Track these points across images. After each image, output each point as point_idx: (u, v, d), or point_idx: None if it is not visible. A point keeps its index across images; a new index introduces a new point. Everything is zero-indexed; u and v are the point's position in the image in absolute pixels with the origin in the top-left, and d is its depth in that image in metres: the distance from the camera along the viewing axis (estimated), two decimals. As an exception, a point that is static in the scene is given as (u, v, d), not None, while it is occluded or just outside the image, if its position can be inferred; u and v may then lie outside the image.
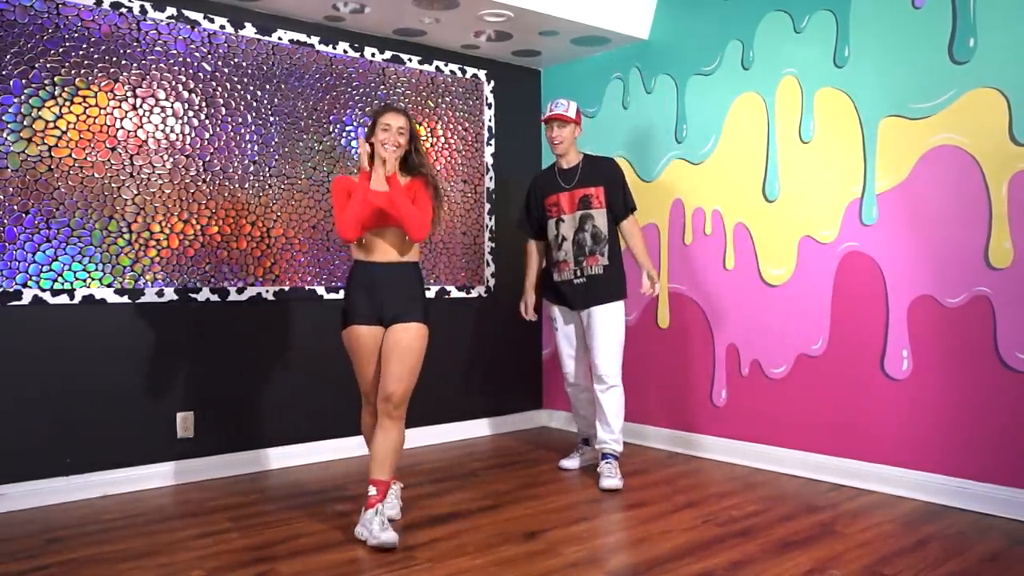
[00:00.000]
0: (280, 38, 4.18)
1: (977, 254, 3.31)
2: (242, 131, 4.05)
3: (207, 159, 3.94)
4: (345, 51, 4.41)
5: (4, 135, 3.40)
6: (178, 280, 3.85)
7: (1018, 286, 3.21)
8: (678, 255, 4.47)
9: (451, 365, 4.84)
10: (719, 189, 4.26)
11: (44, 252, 3.50)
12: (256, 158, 4.10)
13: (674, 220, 4.49)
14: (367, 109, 4.48)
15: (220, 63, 3.99)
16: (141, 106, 3.75)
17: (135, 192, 3.73)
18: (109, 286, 3.66)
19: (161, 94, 3.81)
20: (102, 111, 3.64)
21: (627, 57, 4.75)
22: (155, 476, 3.78)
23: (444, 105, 4.83)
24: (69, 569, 2.73)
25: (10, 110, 3.41)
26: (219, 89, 3.98)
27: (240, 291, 4.04)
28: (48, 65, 3.50)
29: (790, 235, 3.97)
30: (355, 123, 4.45)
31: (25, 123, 3.45)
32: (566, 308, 3.96)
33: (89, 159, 3.61)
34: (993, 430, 3.27)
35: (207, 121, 3.95)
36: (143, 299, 3.75)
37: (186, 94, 3.88)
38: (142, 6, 3.75)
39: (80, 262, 3.58)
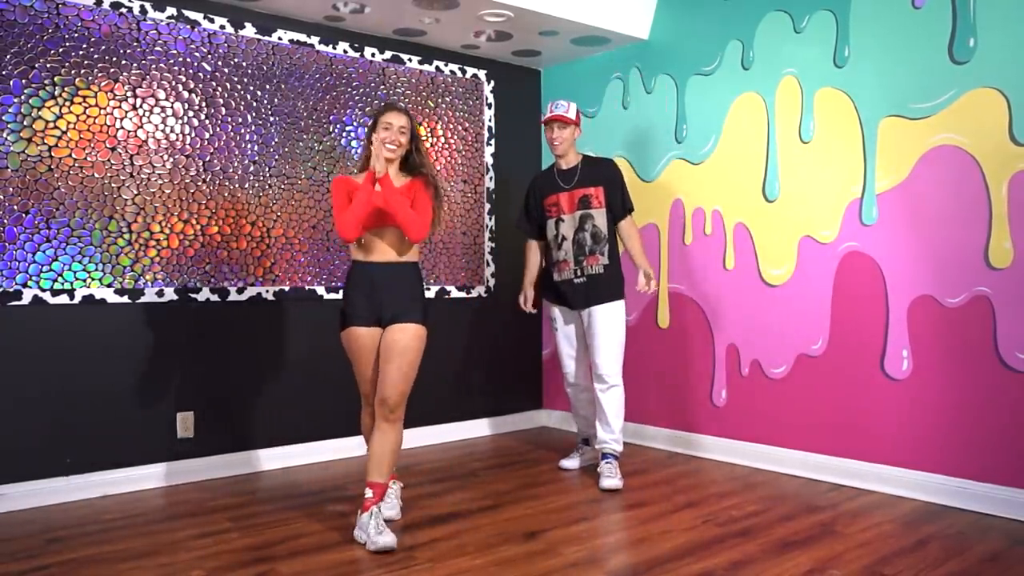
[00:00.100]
0: (280, 38, 4.18)
1: (977, 254, 3.31)
2: (242, 131, 4.05)
3: (207, 159, 3.94)
4: (345, 51, 4.41)
5: (4, 135, 3.40)
6: (178, 280, 3.85)
7: (1018, 286, 3.21)
8: (678, 255, 4.47)
9: (451, 365, 4.84)
10: (719, 189, 4.26)
11: (44, 252, 3.50)
12: (256, 158, 4.10)
13: (674, 220, 4.49)
14: (367, 109, 4.48)
15: (220, 63, 3.99)
16: (141, 106, 3.75)
17: (135, 192, 3.73)
18: (109, 286, 3.66)
19: (161, 94, 3.81)
20: (102, 111, 3.64)
21: (627, 57, 4.75)
22: (155, 476, 3.78)
23: (444, 105, 4.83)
24: (69, 569, 2.73)
25: (10, 110, 3.41)
26: (219, 89, 3.98)
27: (240, 291, 4.04)
28: (48, 65, 3.50)
29: (790, 235, 3.97)
30: (355, 123, 4.45)
31: (25, 123, 3.45)
32: (566, 308, 3.97)
33: (89, 159, 3.61)
34: (993, 430, 3.27)
35: (207, 121, 3.95)
36: (143, 299, 3.75)
37: (186, 94, 3.88)
38: (142, 6, 3.75)
39: (80, 262, 3.58)
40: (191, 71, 3.90)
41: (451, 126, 4.87)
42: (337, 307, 3.18)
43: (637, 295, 4.27)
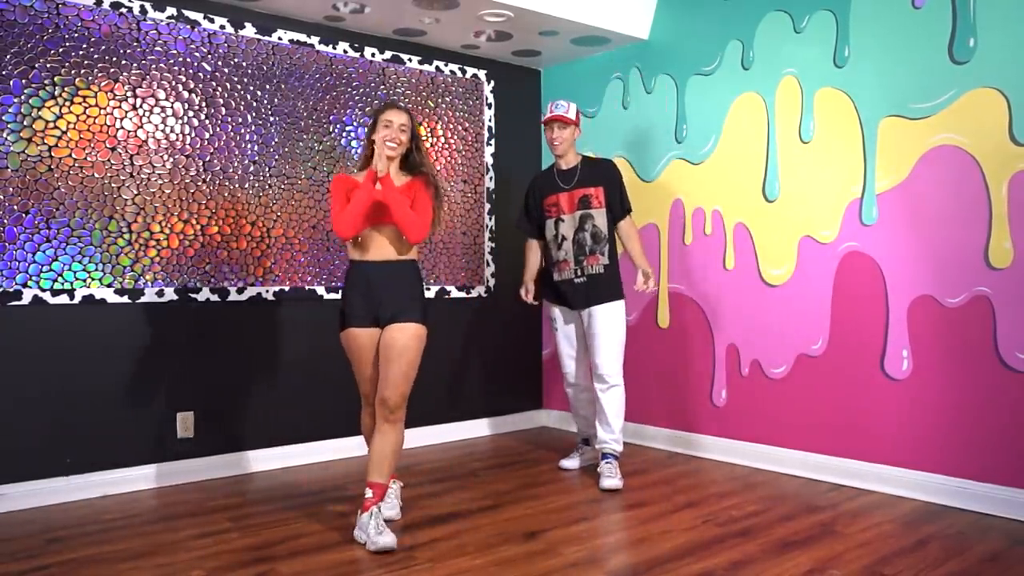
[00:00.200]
0: (280, 38, 4.18)
1: (977, 254, 3.31)
2: (242, 131, 4.05)
3: (207, 159, 3.94)
4: (345, 51, 4.41)
5: (4, 135, 3.40)
6: (178, 280, 3.85)
7: (1018, 286, 3.21)
8: (678, 255, 4.47)
9: (451, 365, 4.84)
10: (719, 189, 4.26)
11: (44, 252, 3.50)
12: (256, 158, 4.10)
13: (674, 220, 4.49)
14: (367, 109, 4.48)
15: (220, 63, 3.99)
16: (141, 106, 3.75)
17: (135, 192, 3.73)
18: (109, 286, 3.66)
19: (161, 94, 3.81)
20: (102, 111, 3.64)
21: (627, 57, 4.75)
22: (156, 476, 3.78)
23: (444, 105, 4.83)
24: (69, 569, 2.73)
25: (10, 110, 3.41)
26: (219, 89, 3.98)
27: (240, 291, 4.04)
28: (48, 65, 3.50)
29: (790, 235, 3.97)
30: (355, 123, 4.45)
31: (25, 123, 3.45)
32: (566, 308, 3.97)
33: (89, 159, 3.61)
34: (993, 430, 3.27)
35: (207, 121, 3.95)
36: (143, 299, 3.75)
37: (186, 94, 3.88)
38: (142, 6, 3.75)
39: (80, 262, 3.58)
40: (191, 71, 3.90)
41: (451, 126, 4.87)
42: (337, 307, 3.18)
43: (637, 295, 4.27)
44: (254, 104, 4.09)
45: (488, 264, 5.03)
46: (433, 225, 3.08)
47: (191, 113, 3.89)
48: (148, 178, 3.77)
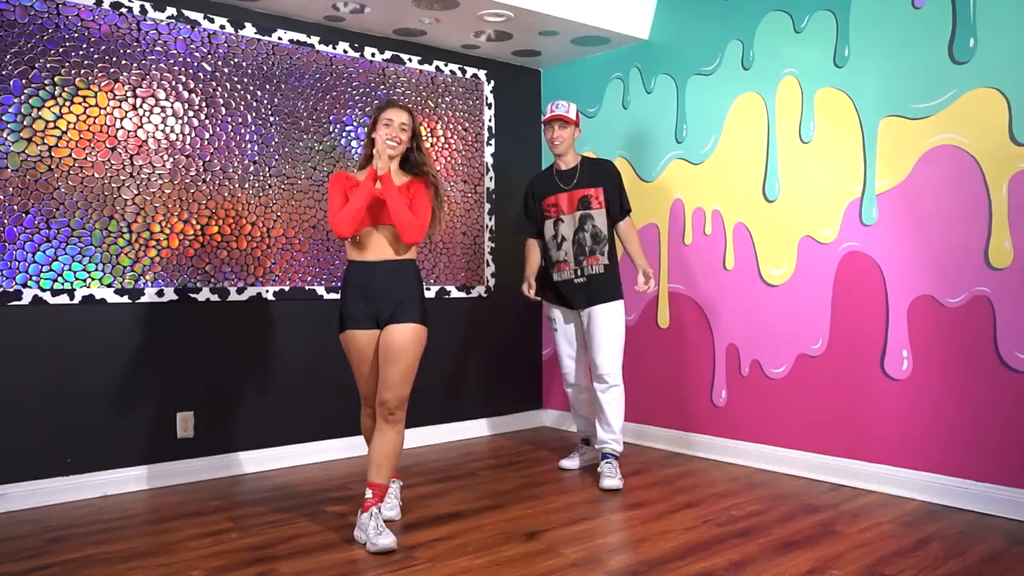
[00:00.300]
0: (280, 38, 4.18)
1: (977, 254, 3.31)
2: (242, 131, 4.05)
3: (207, 159, 3.94)
4: (345, 51, 4.41)
5: (4, 135, 3.40)
6: (178, 280, 3.85)
7: (1018, 286, 3.21)
8: (678, 255, 4.47)
9: (451, 365, 4.84)
10: (719, 189, 4.26)
11: (44, 252, 3.50)
12: (256, 158, 4.10)
13: (674, 220, 4.49)
14: (367, 109, 4.48)
15: (220, 63, 3.99)
16: (141, 106, 3.75)
17: (135, 192, 3.73)
18: (109, 286, 3.66)
19: (161, 94, 3.81)
20: (102, 111, 3.64)
21: (627, 57, 4.75)
22: (155, 476, 3.78)
23: (444, 105, 4.83)
24: (69, 569, 2.73)
25: (10, 110, 3.41)
26: (219, 89, 3.98)
27: (240, 291, 4.04)
28: (48, 65, 3.50)
29: (790, 235, 3.97)
30: (355, 123, 4.45)
31: (25, 123, 3.45)
32: (566, 308, 3.97)
33: (89, 159, 3.61)
34: (993, 430, 3.27)
35: (207, 121, 3.95)
36: (143, 299, 3.75)
37: (186, 94, 3.88)
38: (142, 6, 3.75)
39: (80, 262, 3.58)
40: (191, 71, 3.90)
41: (451, 126, 4.87)
42: (337, 307, 3.17)
43: (637, 295, 4.27)
44: (254, 104, 4.09)
45: (488, 264, 5.03)
46: (433, 226, 3.07)
47: (191, 113, 3.90)
48: (148, 178, 3.77)
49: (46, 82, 3.50)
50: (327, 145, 4.35)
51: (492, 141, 5.06)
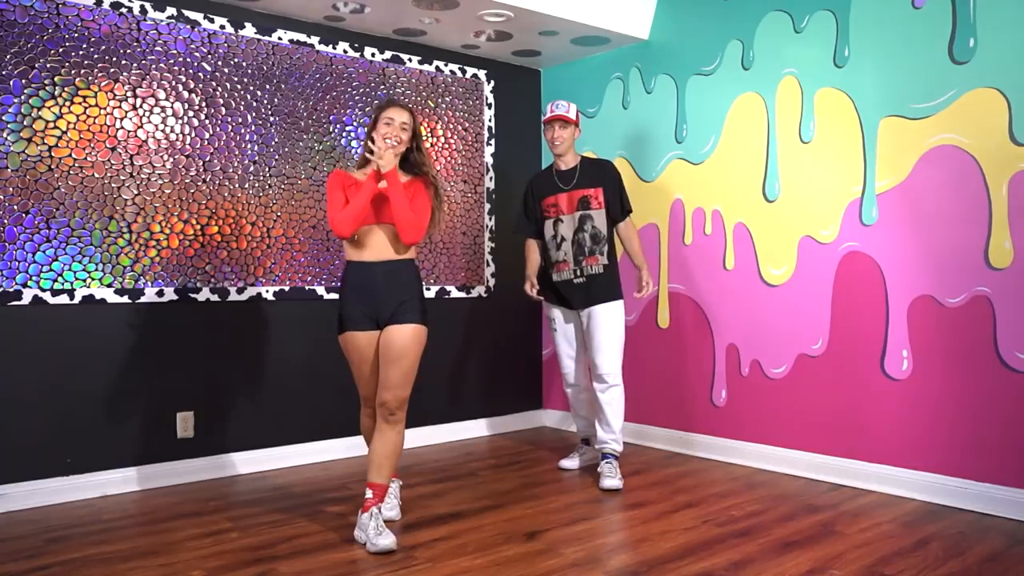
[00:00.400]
0: (280, 38, 4.18)
1: (977, 254, 3.31)
2: (242, 131, 4.05)
3: (207, 159, 3.94)
4: (345, 51, 4.41)
5: (4, 135, 3.40)
6: (178, 280, 3.85)
7: (1018, 286, 3.21)
8: (678, 255, 4.47)
9: (451, 365, 4.84)
10: (719, 189, 4.26)
11: (44, 252, 3.50)
12: (256, 158, 4.10)
13: (674, 220, 4.49)
14: (367, 109, 4.48)
15: (220, 63, 3.99)
16: (141, 106, 3.75)
17: (135, 192, 3.73)
18: (109, 286, 3.66)
19: (161, 94, 3.81)
20: (102, 111, 3.64)
21: (627, 57, 4.75)
22: (155, 476, 3.78)
23: (444, 105, 4.83)
24: (69, 569, 2.73)
25: (10, 110, 3.41)
26: (219, 89, 3.98)
27: (240, 291, 4.04)
28: (48, 65, 3.50)
29: (790, 235, 3.97)
30: (355, 123, 4.45)
31: (25, 123, 3.45)
32: (566, 308, 3.97)
33: (89, 159, 3.61)
34: (993, 430, 3.27)
35: (207, 121, 3.95)
36: (143, 299, 3.75)
37: (186, 94, 3.88)
38: (142, 6, 3.75)
39: (80, 262, 3.58)
40: (191, 71, 3.90)
41: (451, 126, 4.87)
42: (336, 308, 3.17)
43: (634, 295, 4.26)
44: (254, 104, 4.09)
45: (488, 264, 5.03)
46: (432, 227, 3.06)
47: (191, 113, 3.90)
48: (148, 178, 3.77)
49: (46, 82, 3.50)
50: (327, 145, 4.35)
51: (492, 141, 5.06)
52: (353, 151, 4.42)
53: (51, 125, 3.51)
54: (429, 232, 3.07)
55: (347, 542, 2.96)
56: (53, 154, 3.51)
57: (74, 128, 3.57)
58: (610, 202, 3.84)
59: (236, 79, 4.04)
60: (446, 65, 4.84)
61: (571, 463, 4.12)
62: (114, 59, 3.67)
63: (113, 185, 3.67)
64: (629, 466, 4.06)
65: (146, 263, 3.76)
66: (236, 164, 4.03)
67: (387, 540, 2.82)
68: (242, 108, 4.05)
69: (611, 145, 4.81)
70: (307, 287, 4.27)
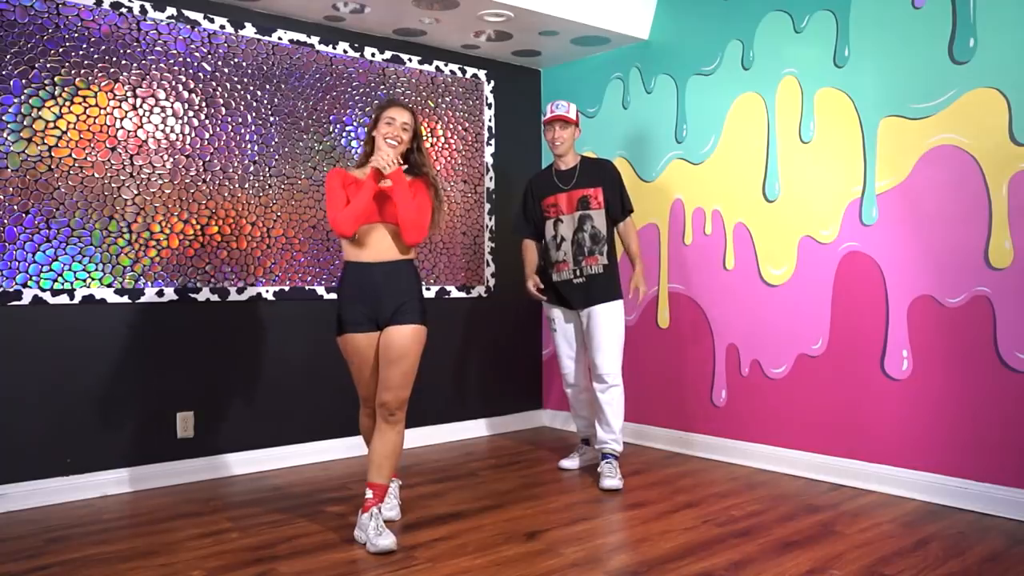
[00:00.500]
0: (280, 38, 4.18)
1: (977, 254, 3.31)
2: (242, 131, 4.05)
3: (207, 159, 3.94)
4: (345, 51, 4.41)
5: (4, 135, 3.40)
6: (178, 280, 3.85)
7: (1018, 286, 3.21)
8: (678, 255, 4.47)
9: (451, 365, 4.84)
10: (719, 189, 4.26)
11: (44, 252, 3.50)
12: (256, 158, 4.10)
13: (674, 220, 4.49)
14: (367, 109, 4.48)
15: (220, 63, 3.99)
16: (141, 106, 3.75)
17: (135, 192, 3.73)
18: (109, 286, 3.66)
19: (161, 94, 3.81)
20: (102, 111, 3.64)
21: (627, 57, 4.75)
22: (155, 476, 3.78)
23: (444, 105, 4.83)
24: (69, 569, 2.73)
25: (10, 110, 3.41)
26: (219, 89, 3.98)
27: (240, 291, 4.04)
28: (48, 65, 3.50)
29: (790, 235, 3.97)
30: (355, 123, 4.45)
31: (25, 123, 3.45)
32: (565, 308, 3.97)
33: (89, 159, 3.61)
34: (993, 430, 3.27)
35: (207, 121, 3.95)
36: (143, 299, 3.75)
37: (186, 94, 3.88)
38: (142, 6, 3.75)
39: (80, 262, 3.58)
40: (191, 71, 3.90)
41: (451, 126, 4.87)
42: (335, 308, 3.16)
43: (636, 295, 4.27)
44: (254, 104, 4.09)
45: (488, 264, 5.03)
46: (432, 228, 3.05)
47: (191, 113, 3.90)
48: (148, 178, 3.77)
49: (46, 82, 3.50)
50: (327, 145, 4.35)
51: (492, 141, 5.06)
52: (353, 151, 4.42)
53: (51, 125, 3.51)
54: (429, 233, 3.07)
55: (347, 542, 2.96)
56: (53, 154, 3.51)
57: (74, 128, 3.56)
58: (610, 202, 3.84)
59: (236, 79, 4.04)
60: (446, 65, 4.84)
61: (571, 463, 4.12)
62: (114, 59, 3.67)
63: (113, 185, 3.67)
64: (629, 466, 4.06)
65: (146, 263, 3.76)
66: (236, 164, 4.03)
67: (387, 540, 2.82)
68: (242, 108, 4.05)
69: (611, 145, 4.81)
70: (307, 287, 4.27)
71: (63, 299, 3.54)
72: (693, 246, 4.39)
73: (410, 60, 4.67)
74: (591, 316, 3.83)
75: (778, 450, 4.00)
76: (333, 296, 4.31)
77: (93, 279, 3.62)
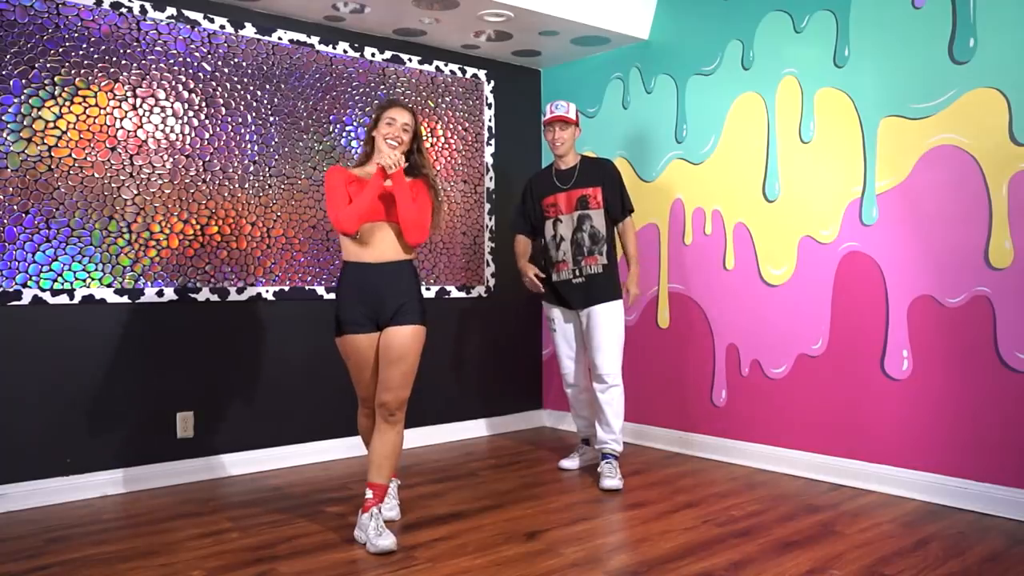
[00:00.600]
0: (280, 38, 4.18)
1: (977, 254, 3.31)
2: (242, 131, 4.05)
3: (207, 159, 3.94)
4: (345, 51, 4.41)
5: (4, 135, 3.40)
6: (178, 280, 3.85)
7: (1018, 286, 3.21)
8: (678, 255, 4.47)
9: (451, 365, 4.84)
10: (719, 189, 4.26)
11: (44, 252, 3.50)
12: (256, 158, 4.10)
13: (674, 220, 4.49)
14: (367, 109, 4.48)
15: (220, 63, 3.99)
16: (141, 106, 3.75)
17: (135, 192, 3.73)
18: (109, 286, 3.66)
19: (161, 94, 3.81)
20: (102, 111, 3.64)
21: (627, 57, 4.75)
22: (155, 476, 3.78)
23: (444, 105, 4.83)
24: (69, 569, 2.73)
25: (10, 110, 3.41)
26: (219, 89, 3.98)
27: (240, 291, 4.04)
28: (48, 65, 3.50)
29: (790, 235, 3.97)
30: (355, 123, 4.45)
31: (25, 123, 3.45)
32: (565, 308, 3.97)
33: (89, 159, 3.61)
34: (993, 430, 3.27)
35: (207, 121, 3.95)
36: (143, 299, 3.75)
37: (186, 94, 3.88)
38: (142, 6, 3.75)
39: (80, 262, 3.58)
40: (191, 71, 3.90)
41: (451, 126, 4.87)
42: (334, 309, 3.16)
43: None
44: (254, 104, 4.09)
45: (488, 264, 5.03)
46: (432, 228, 3.05)
47: (191, 113, 3.89)
48: (148, 178, 3.77)
49: (46, 82, 3.50)
50: (327, 145, 4.35)
51: (492, 141, 5.06)
52: (353, 151, 4.42)
53: (51, 125, 3.51)
54: (430, 233, 3.07)
55: (347, 542, 2.96)
56: (53, 154, 3.51)
57: (74, 128, 3.56)
58: (609, 201, 3.84)
59: (236, 79, 4.04)
60: (446, 65, 4.84)
61: (571, 463, 4.12)
62: (114, 59, 3.67)
63: (113, 185, 3.67)
64: (629, 466, 4.06)
65: (146, 263, 3.76)
66: (236, 164, 4.03)
67: (387, 540, 2.82)
68: (242, 108, 4.05)
69: (611, 145, 4.81)
70: (307, 287, 4.27)
71: (63, 299, 3.54)
72: (693, 246, 4.39)
73: (410, 60, 4.67)
74: (591, 316, 3.83)
75: (778, 450, 4.00)
76: (333, 296, 4.31)
77: (93, 279, 3.62)
